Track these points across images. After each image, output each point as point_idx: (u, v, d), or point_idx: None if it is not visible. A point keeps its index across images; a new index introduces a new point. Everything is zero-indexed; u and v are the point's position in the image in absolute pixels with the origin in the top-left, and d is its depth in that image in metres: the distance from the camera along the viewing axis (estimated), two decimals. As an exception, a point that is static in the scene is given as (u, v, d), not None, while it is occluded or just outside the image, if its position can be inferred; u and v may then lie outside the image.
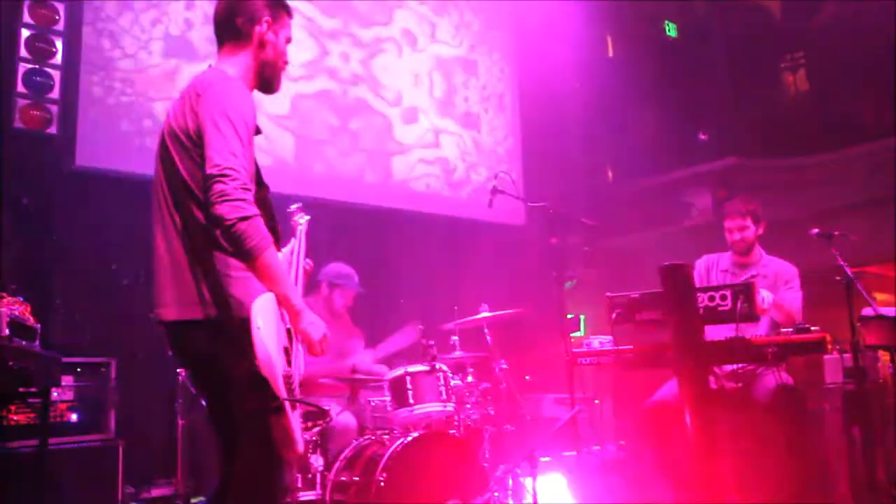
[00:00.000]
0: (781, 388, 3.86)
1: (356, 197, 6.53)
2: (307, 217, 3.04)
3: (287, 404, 2.13)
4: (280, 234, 2.42)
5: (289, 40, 2.59)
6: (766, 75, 8.62)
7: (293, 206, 3.02)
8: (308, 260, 2.87)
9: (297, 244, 2.83)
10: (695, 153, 8.52)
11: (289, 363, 2.27)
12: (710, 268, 4.54)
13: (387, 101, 6.99)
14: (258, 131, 2.45)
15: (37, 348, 3.64)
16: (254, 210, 2.14)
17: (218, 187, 2.11)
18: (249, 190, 2.17)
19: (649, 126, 8.04)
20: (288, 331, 2.31)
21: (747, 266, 4.44)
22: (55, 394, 4.17)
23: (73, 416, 4.32)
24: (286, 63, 2.58)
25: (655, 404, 4.10)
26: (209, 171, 2.14)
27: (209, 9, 5.91)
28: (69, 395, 4.30)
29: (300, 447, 2.21)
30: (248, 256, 2.15)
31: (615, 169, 8.25)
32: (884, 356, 4.56)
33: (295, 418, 2.20)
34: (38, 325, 3.70)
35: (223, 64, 2.47)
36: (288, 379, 2.18)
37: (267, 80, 2.54)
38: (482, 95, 7.73)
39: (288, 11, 2.58)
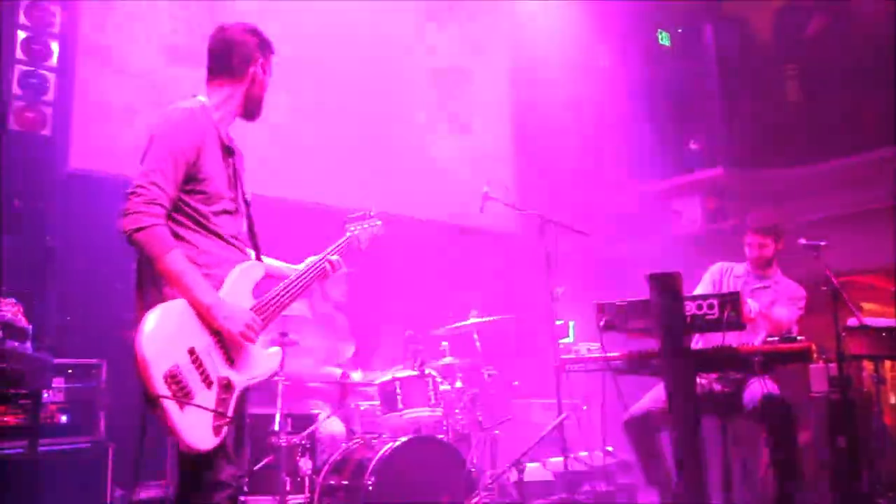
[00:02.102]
0: (767, 396, 3.90)
1: (348, 202, 6.53)
2: (362, 226, 3.20)
3: (170, 402, 2.25)
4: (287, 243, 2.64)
5: (270, 75, 2.86)
6: (758, 86, 8.69)
7: (353, 215, 3.23)
8: (336, 258, 2.97)
9: (332, 248, 2.98)
10: (685, 162, 8.57)
11: (197, 362, 2.37)
12: (724, 273, 4.60)
13: (380, 107, 7.02)
14: (231, 152, 2.71)
15: (28, 350, 3.65)
16: (150, 221, 2.38)
17: (125, 204, 2.40)
18: (156, 204, 2.40)
19: (641, 135, 8.08)
20: (216, 332, 2.45)
21: (761, 277, 4.50)
22: (46, 395, 4.17)
23: (64, 418, 4.32)
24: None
25: (641, 411, 4.14)
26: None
27: (206, 12, 5.99)
28: (60, 397, 4.30)
29: (193, 443, 2.30)
30: (151, 262, 2.39)
31: (606, 177, 8.29)
32: (868, 366, 4.61)
33: (185, 415, 2.29)
34: (30, 327, 3.71)
35: (210, 94, 2.74)
36: (174, 377, 2.28)
37: (251, 111, 2.82)
38: (476, 102, 7.77)
39: (273, 51, 2.87)
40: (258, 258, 2.76)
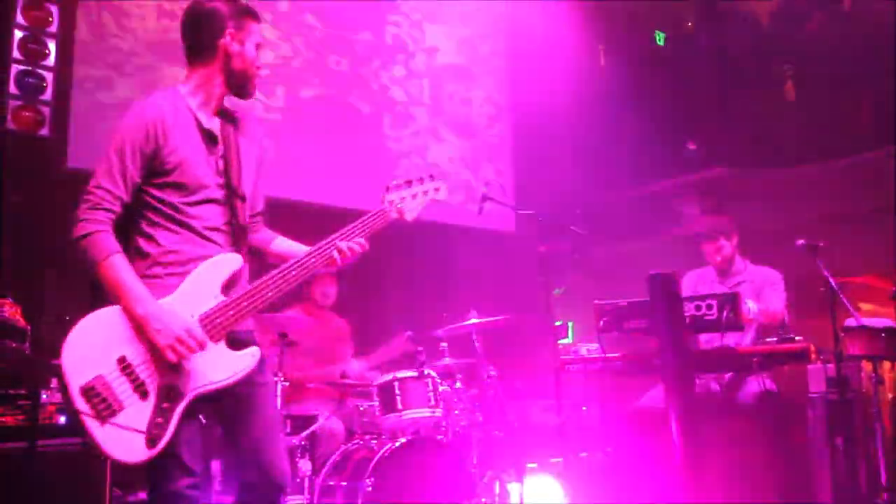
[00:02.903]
0: (765, 394, 3.92)
1: (346, 201, 6.53)
2: (410, 192, 2.70)
3: (87, 417, 2.16)
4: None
5: (259, 45, 2.56)
6: (755, 86, 8.68)
7: (396, 181, 2.73)
8: (346, 245, 2.60)
9: (352, 225, 2.60)
10: (683, 163, 8.57)
11: (128, 371, 2.23)
12: (697, 282, 4.63)
13: (379, 107, 7.02)
14: (214, 140, 2.48)
15: (26, 350, 3.64)
16: (92, 228, 2.30)
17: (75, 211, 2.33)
18: (100, 209, 2.32)
19: (639, 135, 8.08)
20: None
21: (731, 273, 4.54)
22: (44, 396, 4.16)
23: (62, 419, 4.30)
24: (258, 68, 2.57)
25: (641, 409, 4.14)
26: None
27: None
28: (58, 398, 4.28)
29: (118, 458, 2.19)
30: (91, 269, 2.31)
31: (605, 177, 8.29)
32: (866, 366, 4.61)
33: (106, 430, 2.17)
34: (29, 327, 3.70)
35: (188, 79, 2.51)
36: (91, 391, 2.17)
37: (239, 88, 2.54)
38: (474, 103, 7.77)
39: (254, 17, 2.56)
40: (240, 250, 2.48)
